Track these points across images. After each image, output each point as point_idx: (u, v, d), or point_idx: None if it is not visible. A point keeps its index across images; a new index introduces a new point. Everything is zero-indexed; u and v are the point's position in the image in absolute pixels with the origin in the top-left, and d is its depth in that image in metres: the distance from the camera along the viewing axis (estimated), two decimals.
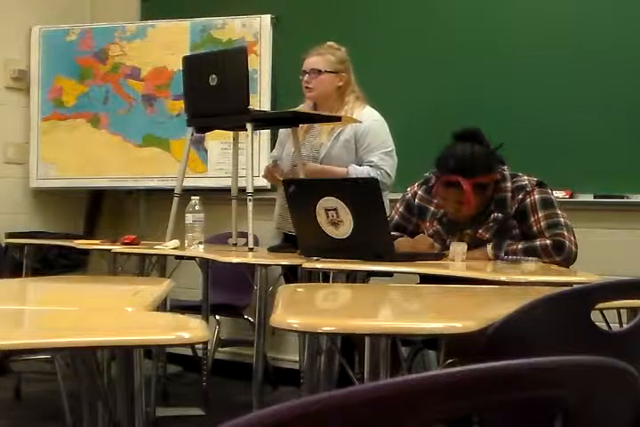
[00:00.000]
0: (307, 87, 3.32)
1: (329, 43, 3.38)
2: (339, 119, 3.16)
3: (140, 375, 1.66)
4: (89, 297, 2.00)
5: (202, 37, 4.51)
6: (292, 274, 2.93)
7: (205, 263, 3.58)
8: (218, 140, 4.35)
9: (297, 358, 3.58)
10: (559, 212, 2.57)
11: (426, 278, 2.38)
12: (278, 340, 4.13)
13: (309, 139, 3.38)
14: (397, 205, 2.87)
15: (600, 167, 3.49)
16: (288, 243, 3.10)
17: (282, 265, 2.87)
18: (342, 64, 3.34)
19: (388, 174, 3.22)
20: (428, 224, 2.77)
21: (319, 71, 3.30)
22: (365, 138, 3.25)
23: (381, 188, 3.19)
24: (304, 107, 3.37)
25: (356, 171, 3.19)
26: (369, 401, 0.56)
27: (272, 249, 2.94)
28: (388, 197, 3.14)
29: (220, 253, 2.79)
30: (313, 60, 3.33)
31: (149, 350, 3.53)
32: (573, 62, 3.56)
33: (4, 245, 4.20)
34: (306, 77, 3.32)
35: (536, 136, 3.61)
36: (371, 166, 3.21)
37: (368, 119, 3.26)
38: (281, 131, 3.56)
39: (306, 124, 3.35)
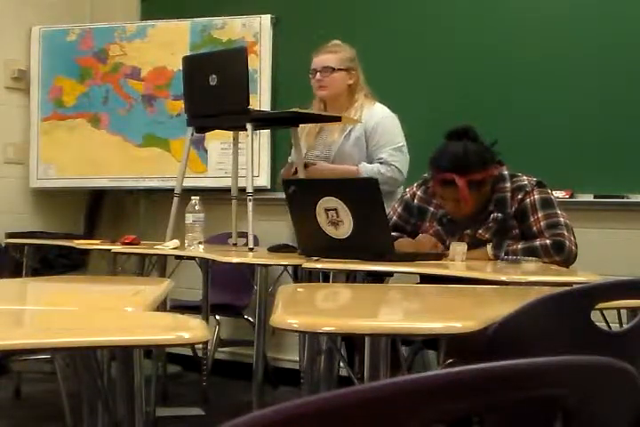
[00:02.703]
0: (320, 86, 3.29)
1: (335, 41, 3.35)
2: (338, 119, 3.16)
3: (140, 375, 1.66)
4: (89, 297, 1.99)
5: (202, 37, 4.51)
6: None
7: (205, 263, 3.57)
8: (218, 140, 4.35)
9: (297, 358, 3.58)
10: (559, 212, 2.57)
11: (426, 278, 2.38)
12: (278, 340, 4.13)
13: (321, 139, 3.36)
14: (395, 205, 2.86)
15: (600, 167, 3.50)
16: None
17: (282, 265, 2.87)
18: (352, 62, 3.31)
19: (399, 170, 3.21)
20: (428, 225, 2.77)
21: (332, 69, 3.28)
22: (374, 135, 3.23)
23: (392, 184, 3.21)
24: (314, 107, 3.34)
25: (367, 169, 3.18)
26: (369, 401, 0.56)
27: (272, 249, 2.94)
28: (400, 192, 3.10)
29: (220, 253, 2.79)
30: (325, 58, 3.30)
31: (149, 350, 3.52)
32: (573, 62, 3.56)
33: (3, 245, 4.20)
34: (317, 76, 3.29)
35: (536, 136, 3.61)
36: (381, 163, 3.20)
37: (377, 116, 3.25)
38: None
39: (318, 126, 3.33)
